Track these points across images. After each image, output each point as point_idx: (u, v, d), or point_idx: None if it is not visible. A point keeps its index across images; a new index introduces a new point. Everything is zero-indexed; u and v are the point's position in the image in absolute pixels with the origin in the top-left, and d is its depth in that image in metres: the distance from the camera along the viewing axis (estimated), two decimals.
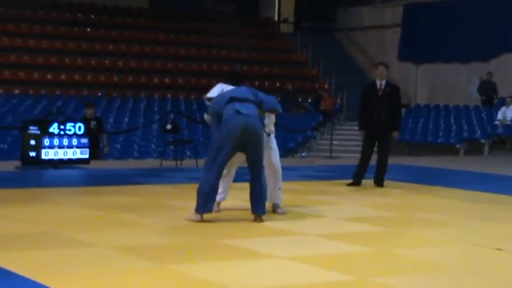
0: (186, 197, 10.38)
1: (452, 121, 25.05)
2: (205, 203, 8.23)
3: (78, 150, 14.28)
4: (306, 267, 6.30)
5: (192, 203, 8.88)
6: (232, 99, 8.36)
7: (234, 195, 10.09)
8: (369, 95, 12.20)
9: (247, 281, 5.83)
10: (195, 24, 29.12)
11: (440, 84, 28.02)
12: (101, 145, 16.58)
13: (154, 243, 7.19)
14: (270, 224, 8.30)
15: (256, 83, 27.10)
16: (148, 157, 19.27)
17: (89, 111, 16.21)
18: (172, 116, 19.15)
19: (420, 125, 25.57)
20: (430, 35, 27.86)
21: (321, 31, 32.08)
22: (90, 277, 5.79)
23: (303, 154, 20.87)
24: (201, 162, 14.95)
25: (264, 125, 8.47)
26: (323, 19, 32.33)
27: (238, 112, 8.24)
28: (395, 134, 12.15)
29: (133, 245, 7.02)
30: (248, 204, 8.57)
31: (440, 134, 24.57)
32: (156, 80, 26.21)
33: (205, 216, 8.39)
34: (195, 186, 10.84)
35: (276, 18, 33.24)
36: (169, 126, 15.99)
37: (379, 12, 30.34)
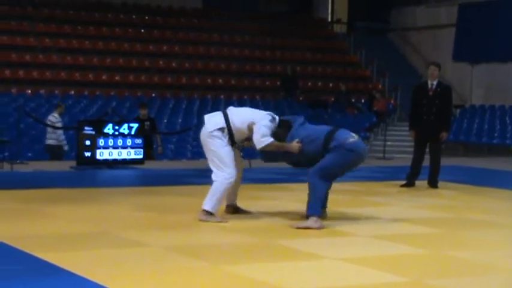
0: (240, 197, 10.41)
1: (508, 122, 24.73)
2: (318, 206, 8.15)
3: (132, 151, 14.40)
4: (359, 268, 6.26)
5: (245, 203, 8.90)
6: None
7: (289, 197, 10.13)
8: (419, 95, 12.10)
9: (299, 282, 5.80)
10: (249, 24, 29.16)
11: (495, 84, 27.65)
12: (154, 145, 16.71)
13: (208, 244, 7.22)
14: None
15: (309, 84, 27.10)
16: (201, 157, 19.31)
17: (143, 112, 16.34)
18: None
19: (475, 125, 25.29)
20: (485, 35, 27.50)
21: (374, 31, 31.91)
22: (144, 276, 5.83)
23: None
24: (254, 162, 14.96)
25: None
26: (377, 19, 32.14)
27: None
28: (444, 135, 12.00)
29: (187, 245, 7.05)
30: (299, 207, 8.54)
31: (496, 134, 24.28)
32: (209, 80, 26.32)
33: (259, 217, 8.43)
34: (247, 186, 10.88)
35: (330, 19, 33.14)
36: None
37: (434, 12, 30.06)
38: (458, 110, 26.56)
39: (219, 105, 24.35)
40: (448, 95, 12.14)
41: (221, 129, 8.31)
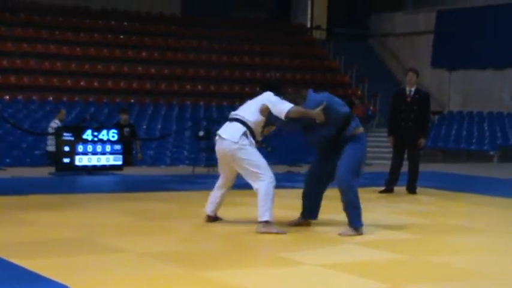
0: None
1: (486, 128, 24.88)
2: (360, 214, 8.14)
3: (111, 157, 14.38)
4: (338, 274, 6.27)
5: (226, 210, 8.88)
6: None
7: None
8: (398, 102, 12.16)
9: None
10: (227, 30, 29.17)
11: (473, 90, 27.82)
12: (134, 151, 16.68)
13: (186, 250, 7.20)
14: (300, 230, 8.28)
15: (289, 90, 27.10)
16: (180, 164, 19.34)
17: (124, 117, 16.32)
18: (204, 122, 19.20)
19: (453, 131, 25.43)
20: (463, 41, 27.68)
21: (353, 37, 32.02)
22: (122, 282, 5.81)
23: None
24: None
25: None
26: (356, 25, 32.26)
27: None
28: (422, 141, 12.07)
29: (165, 251, 7.04)
30: (284, 212, 8.56)
31: (474, 140, 24.41)
32: (188, 87, 26.29)
33: (237, 224, 8.44)
34: (228, 193, 10.85)
35: (309, 25, 33.22)
36: (201, 133, 16.04)
37: (412, 18, 30.22)
38: (436, 116, 26.70)
39: (198, 112, 24.36)
40: (426, 102, 12.21)
41: (244, 134, 8.08)
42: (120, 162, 14.50)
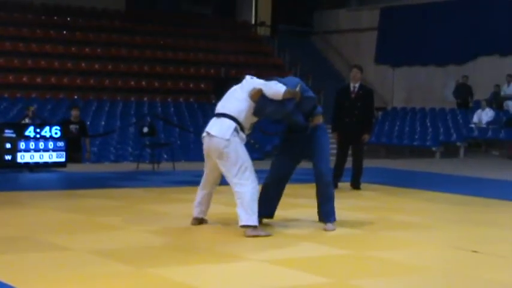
0: (163, 200, 10.39)
1: (429, 124, 25.17)
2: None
3: (54, 154, 14.21)
4: (284, 270, 6.29)
5: (171, 206, 8.86)
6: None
7: (213, 200, 10.11)
8: (342, 98, 12.25)
9: (223, 284, 5.82)
10: (172, 26, 29.06)
11: (416, 87, 28.17)
12: (84, 149, 16.50)
13: (131, 247, 7.16)
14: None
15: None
16: (124, 160, 19.22)
17: (74, 113, 16.13)
18: (149, 119, 19.11)
19: (396, 127, 25.68)
20: (406, 38, 28.00)
21: (298, 34, 32.14)
22: (66, 281, 5.75)
23: None
24: (178, 165, 14.94)
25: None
26: (300, 22, 32.38)
27: None
28: (366, 137, 12.18)
29: (110, 249, 6.98)
30: (227, 209, 8.55)
31: (417, 136, 24.68)
32: (132, 83, 26.13)
33: (184, 220, 8.42)
34: (171, 189, 10.84)
35: (253, 22, 33.26)
36: (146, 130, 15.95)
37: (356, 15, 30.44)
38: (380, 113, 26.94)
39: (143, 108, 24.21)
40: (370, 98, 12.31)
41: (235, 130, 7.76)
42: (63, 159, 14.34)
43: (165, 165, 15.64)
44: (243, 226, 7.69)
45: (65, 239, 7.32)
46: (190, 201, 10.07)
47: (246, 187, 7.69)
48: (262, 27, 32.91)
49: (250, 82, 8.00)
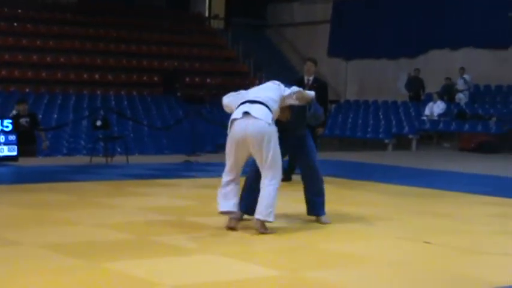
0: (117, 194, 10.33)
1: (381, 117, 25.38)
2: None
3: (5, 148, 14.06)
4: (237, 263, 6.30)
5: (125, 199, 8.81)
6: None
7: (167, 193, 10.10)
8: None
9: (176, 278, 5.80)
10: (125, 19, 28.88)
11: (369, 80, 28.38)
12: (38, 141, 16.31)
13: (83, 241, 7.10)
14: (200, 220, 8.29)
15: (187, 79, 27.07)
16: (77, 154, 19.07)
17: (22, 108, 15.95)
18: (102, 112, 18.98)
19: (350, 120, 25.84)
20: (359, 32, 28.18)
21: (251, 27, 32.15)
22: (16, 275, 5.69)
23: None
24: (132, 158, 14.85)
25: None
26: (254, 15, 32.40)
27: None
28: (320, 130, 12.21)
29: (62, 243, 6.93)
30: (180, 203, 8.52)
31: (369, 129, 24.87)
32: (85, 75, 25.93)
33: (136, 214, 8.37)
34: (125, 182, 10.80)
35: (207, 14, 33.20)
36: (99, 123, 15.84)
37: (310, 8, 30.54)
38: (333, 105, 27.08)
39: (96, 101, 24.05)
40: (324, 91, 12.35)
41: (272, 120, 7.36)
42: (15, 153, 14.19)
43: (119, 159, 15.55)
44: (260, 220, 7.39)
45: (16, 234, 7.24)
46: (145, 195, 10.07)
47: (273, 181, 7.39)
48: (216, 20, 32.87)
49: (281, 88, 7.76)
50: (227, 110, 7.82)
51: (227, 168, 7.59)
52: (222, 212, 7.61)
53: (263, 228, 7.42)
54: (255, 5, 32.42)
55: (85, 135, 20.71)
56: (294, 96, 7.69)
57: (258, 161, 7.44)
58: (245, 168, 7.78)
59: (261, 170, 7.46)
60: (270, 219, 7.41)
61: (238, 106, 7.47)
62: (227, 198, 7.55)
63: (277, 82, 7.85)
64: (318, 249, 7.04)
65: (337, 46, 29.05)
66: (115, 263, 6.14)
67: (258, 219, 7.42)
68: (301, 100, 7.76)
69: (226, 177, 7.58)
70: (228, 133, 7.52)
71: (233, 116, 7.41)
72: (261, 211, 7.38)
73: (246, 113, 7.30)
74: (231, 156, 7.53)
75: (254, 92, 7.65)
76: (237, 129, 7.34)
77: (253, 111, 7.30)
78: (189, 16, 32.24)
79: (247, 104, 7.41)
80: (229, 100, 7.77)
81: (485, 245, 7.44)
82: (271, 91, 7.64)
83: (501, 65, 24.90)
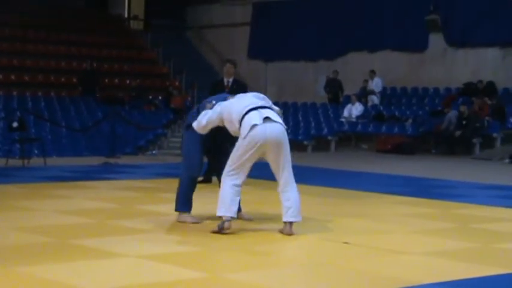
0: (34, 196, 10.16)
1: (300, 118, 25.57)
2: None
3: None
4: (157, 265, 6.27)
5: (43, 202, 8.68)
6: None
7: (85, 195, 10.00)
8: (216, 92, 12.26)
9: (96, 281, 5.74)
10: (43, 18, 28.43)
11: (288, 82, 28.56)
12: None
13: (6, 245, 6.97)
14: (122, 223, 8.22)
15: (106, 80, 26.79)
16: None
17: None
18: (18, 113, 18.64)
19: None
20: (278, 34, 28.34)
21: (171, 29, 32.03)
22: None
23: (154, 152, 20.80)
24: (50, 160, 14.63)
25: None
26: (173, 17, 32.28)
27: None
28: None
29: None
30: (100, 205, 8.44)
31: (289, 131, 24.84)
32: (1, 76, 25.42)
33: (55, 217, 8.26)
34: (44, 185, 10.63)
35: (126, 15, 32.94)
36: (15, 124, 15.58)
37: (229, 10, 30.58)
38: None
39: (12, 102, 23.60)
40: (244, 92, 12.36)
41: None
42: None
43: (36, 161, 15.31)
44: (292, 223, 7.68)
45: None
46: (63, 197, 9.94)
47: (294, 185, 7.83)
48: (136, 21, 32.65)
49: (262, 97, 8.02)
50: (209, 127, 7.98)
51: (234, 170, 7.82)
52: (225, 216, 7.69)
53: (292, 231, 7.69)
54: (174, 6, 32.29)
55: (1, 136, 20.30)
56: None
57: (274, 164, 7.78)
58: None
59: (278, 172, 7.82)
60: (299, 219, 7.73)
61: (247, 112, 7.61)
62: (233, 203, 7.79)
63: (261, 95, 8.13)
64: (238, 251, 7.05)
65: (256, 48, 29.18)
66: (33, 267, 6.04)
67: (291, 222, 7.69)
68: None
69: (235, 180, 7.84)
70: (243, 137, 7.60)
71: (253, 122, 7.53)
72: (295, 215, 7.67)
73: (267, 118, 7.58)
74: (245, 160, 7.74)
75: (254, 99, 7.90)
76: (259, 133, 7.54)
77: (272, 115, 7.66)
78: (108, 17, 31.94)
79: (258, 110, 7.65)
80: (210, 118, 7.91)
81: (404, 244, 7.57)
82: (265, 99, 8.00)
83: (417, 68, 25.39)
